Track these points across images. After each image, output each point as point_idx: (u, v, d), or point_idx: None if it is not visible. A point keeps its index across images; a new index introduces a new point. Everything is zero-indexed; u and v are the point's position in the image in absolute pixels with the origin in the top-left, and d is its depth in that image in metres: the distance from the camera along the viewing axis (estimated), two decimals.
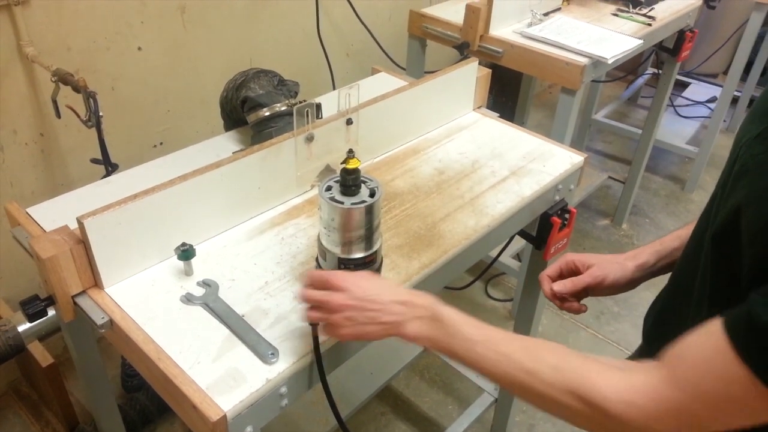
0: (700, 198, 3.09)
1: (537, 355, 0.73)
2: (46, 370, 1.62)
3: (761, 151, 0.63)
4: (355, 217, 0.85)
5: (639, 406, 0.65)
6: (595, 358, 0.71)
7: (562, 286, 0.99)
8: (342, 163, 0.84)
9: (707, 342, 0.62)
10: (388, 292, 0.81)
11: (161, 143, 1.95)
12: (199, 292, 0.94)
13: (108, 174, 1.49)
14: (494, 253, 1.60)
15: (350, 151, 0.84)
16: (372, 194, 0.86)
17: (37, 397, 1.90)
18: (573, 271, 1.01)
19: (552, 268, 1.02)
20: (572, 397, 0.69)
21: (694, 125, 3.47)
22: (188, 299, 0.92)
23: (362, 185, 0.87)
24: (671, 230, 2.93)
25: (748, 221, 0.63)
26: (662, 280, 0.94)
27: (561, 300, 1.00)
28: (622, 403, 0.66)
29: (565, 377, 0.70)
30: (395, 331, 0.80)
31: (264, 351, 0.84)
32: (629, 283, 0.98)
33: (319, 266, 0.92)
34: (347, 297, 0.79)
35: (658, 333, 0.94)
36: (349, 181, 0.84)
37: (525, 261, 2.22)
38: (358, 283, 0.80)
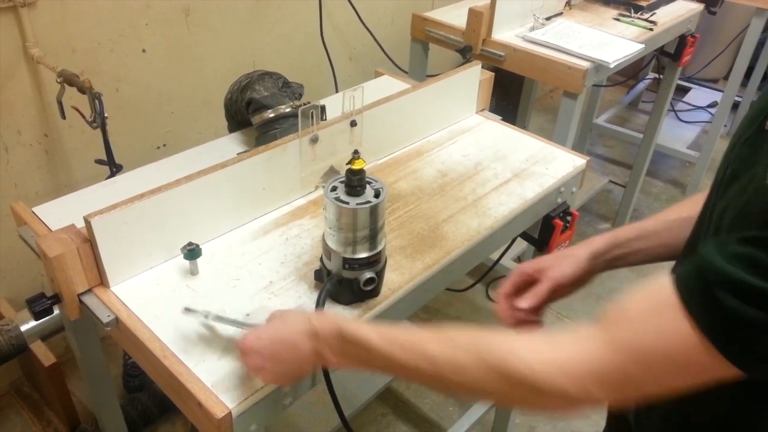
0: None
1: (446, 342, 0.67)
2: (48, 369, 1.62)
3: (749, 154, 0.62)
4: (360, 218, 0.86)
5: (570, 374, 0.59)
6: (516, 334, 0.67)
7: (526, 302, 0.90)
8: (347, 164, 0.85)
9: (649, 297, 0.59)
10: (290, 332, 0.76)
11: (164, 145, 1.96)
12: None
13: (112, 175, 1.50)
14: (496, 255, 1.61)
15: (355, 152, 0.85)
16: (377, 195, 0.87)
17: (38, 396, 1.91)
18: (528, 282, 0.92)
19: (507, 285, 0.93)
20: (495, 376, 0.62)
21: (695, 130, 3.48)
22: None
23: (367, 186, 0.88)
24: None
25: None
26: None
27: (518, 321, 0.91)
28: (552, 373, 0.60)
29: (480, 356, 0.63)
30: (318, 365, 0.79)
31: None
32: (586, 275, 0.91)
33: (323, 266, 0.93)
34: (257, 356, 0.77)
35: None
36: (354, 182, 0.85)
37: None
38: (261, 336, 0.78)
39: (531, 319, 0.91)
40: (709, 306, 0.54)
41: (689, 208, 0.88)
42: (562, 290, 0.91)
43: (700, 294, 0.55)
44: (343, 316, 0.77)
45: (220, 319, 0.87)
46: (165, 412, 1.88)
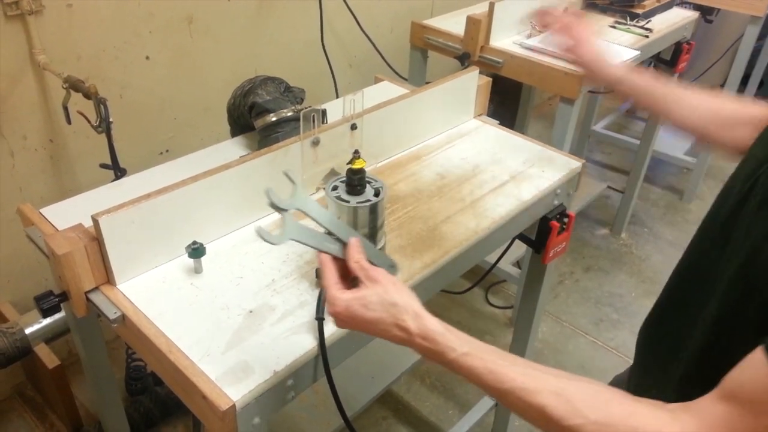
0: (698, 208, 3.12)
1: (575, 408, 0.66)
2: (52, 371, 1.64)
3: None
4: (360, 216, 0.88)
5: None
6: (634, 401, 0.67)
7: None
8: (348, 164, 0.88)
9: (759, 372, 0.61)
10: (394, 313, 0.75)
11: (167, 150, 1.99)
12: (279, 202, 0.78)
13: (117, 179, 1.52)
14: (494, 258, 1.63)
15: (356, 152, 0.88)
16: (377, 194, 0.89)
17: (41, 399, 1.92)
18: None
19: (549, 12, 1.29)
20: None
21: (692, 137, 3.50)
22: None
23: (367, 185, 0.90)
24: (670, 240, 2.91)
25: None
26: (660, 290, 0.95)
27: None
28: None
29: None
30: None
31: (384, 264, 0.82)
32: (596, 78, 1.21)
33: None
34: (361, 297, 0.75)
35: (653, 347, 0.95)
36: (355, 181, 0.88)
37: (525, 268, 2.25)
38: (385, 289, 0.75)
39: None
40: None
41: (698, 99, 1.04)
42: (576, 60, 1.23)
43: None
44: (441, 331, 0.74)
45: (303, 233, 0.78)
46: (167, 416, 1.90)
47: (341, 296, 0.75)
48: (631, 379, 1.04)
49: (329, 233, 0.80)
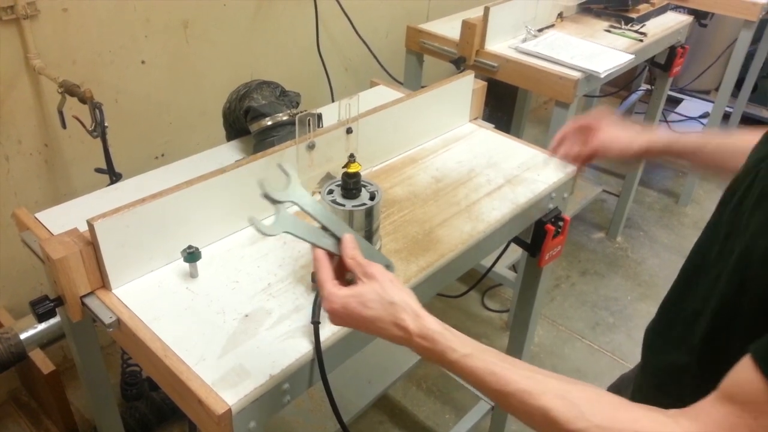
0: (693, 212, 3.13)
1: (580, 411, 0.66)
2: (47, 377, 1.64)
3: None
4: (356, 219, 0.88)
5: None
6: (636, 405, 0.67)
7: (569, 147, 1.12)
8: (343, 167, 0.88)
9: (752, 375, 0.62)
10: (392, 312, 0.74)
11: (163, 155, 1.99)
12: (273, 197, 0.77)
13: (112, 183, 1.52)
14: (489, 262, 1.63)
15: (351, 156, 0.88)
16: (372, 197, 0.90)
17: (36, 405, 1.92)
18: (584, 131, 1.13)
19: (564, 131, 1.15)
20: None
21: None
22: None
23: (362, 189, 0.90)
24: (665, 244, 2.91)
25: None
26: (661, 293, 0.95)
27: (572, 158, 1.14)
28: None
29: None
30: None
31: (379, 262, 0.79)
32: (637, 154, 1.06)
33: None
34: (358, 294, 0.74)
35: (657, 345, 0.95)
36: (350, 185, 0.88)
37: (520, 272, 2.25)
38: (383, 286, 0.74)
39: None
40: None
41: (748, 140, 0.89)
42: (605, 155, 1.09)
43: None
44: (441, 331, 0.73)
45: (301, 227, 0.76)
46: (162, 421, 1.89)
47: (338, 292, 0.74)
48: (637, 379, 1.04)
49: (324, 228, 0.79)
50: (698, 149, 0.95)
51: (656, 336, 0.95)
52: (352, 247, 0.78)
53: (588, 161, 1.15)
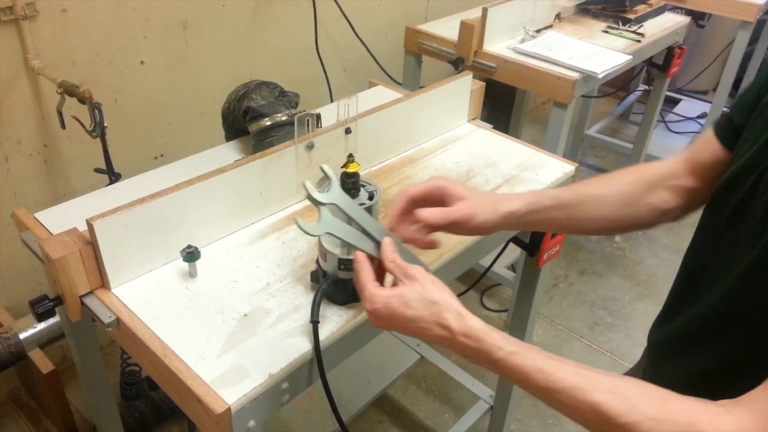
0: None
1: (632, 405, 0.65)
2: (47, 376, 1.64)
3: None
4: None
5: None
6: (687, 397, 0.66)
7: (431, 213, 0.84)
8: (342, 167, 0.88)
9: None
10: (435, 311, 0.73)
11: (162, 155, 1.99)
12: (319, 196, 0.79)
13: (111, 183, 1.52)
14: (488, 262, 1.64)
15: (350, 156, 0.88)
16: (371, 197, 0.90)
17: (36, 405, 1.92)
18: (438, 200, 0.87)
19: (419, 189, 0.86)
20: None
21: (685, 140, 3.54)
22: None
23: (361, 189, 0.91)
24: (664, 243, 2.93)
25: None
26: (659, 292, 0.95)
27: (419, 230, 0.85)
28: None
29: None
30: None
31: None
32: (494, 227, 0.88)
33: (319, 267, 0.96)
34: (400, 295, 0.74)
35: (662, 347, 0.95)
36: (349, 184, 0.88)
37: (519, 271, 2.26)
38: (424, 287, 0.74)
39: (419, 236, 0.86)
40: None
41: (605, 186, 0.93)
42: (464, 229, 0.87)
43: None
44: (486, 330, 0.72)
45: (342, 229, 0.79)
46: (162, 420, 1.89)
47: (380, 293, 0.74)
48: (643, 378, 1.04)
49: (363, 231, 0.80)
50: (558, 204, 0.89)
51: (667, 343, 0.93)
52: (391, 250, 0.79)
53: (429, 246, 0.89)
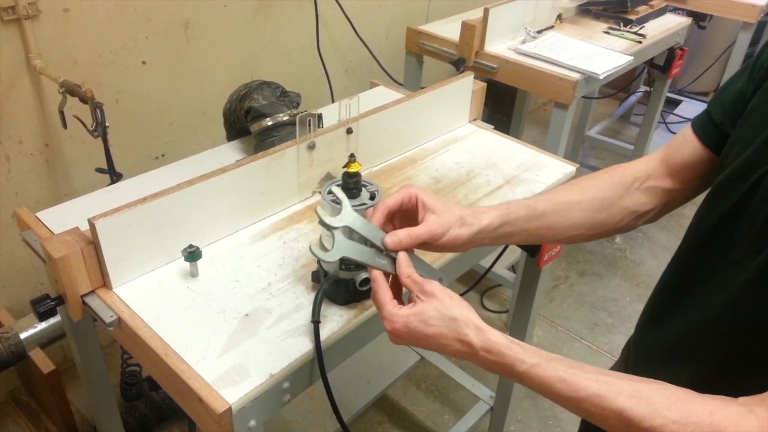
0: (692, 212, 3.10)
1: (655, 409, 0.65)
2: (47, 376, 1.64)
3: None
4: None
5: None
6: (708, 397, 0.66)
7: (394, 240, 0.79)
8: (344, 167, 0.88)
9: None
10: (454, 328, 0.73)
11: (163, 155, 1.99)
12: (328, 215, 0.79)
13: (113, 183, 1.52)
14: (488, 263, 1.64)
15: (352, 156, 0.88)
16: (372, 197, 0.90)
17: (36, 405, 1.92)
18: (410, 210, 0.84)
19: (395, 199, 0.83)
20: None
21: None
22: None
23: (363, 189, 0.91)
24: (664, 244, 2.92)
25: None
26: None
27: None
28: None
29: None
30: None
31: (432, 277, 0.79)
32: (465, 244, 0.84)
33: (320, 267, 0.96)
34: (419, 313, 0.74)
35: (649, 351, 0.95)
36: (351, 184, 0.88)
37: (519, 272, 2.26)
38: (442, 303, 0.74)
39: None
40: None
41: (578, 192, 0.90)
42: (434, 246, 0.83)
43: None
44: (507, 344, 0.72)
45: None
46: (162, 421, 1.89)
47: (399, 312, 0.74)
48: None
49: (377, 249, 0.80)
50: (530, 215, 0.87)
51: (658, 348, 0.92)
52: (407, 265, 0.79)
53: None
